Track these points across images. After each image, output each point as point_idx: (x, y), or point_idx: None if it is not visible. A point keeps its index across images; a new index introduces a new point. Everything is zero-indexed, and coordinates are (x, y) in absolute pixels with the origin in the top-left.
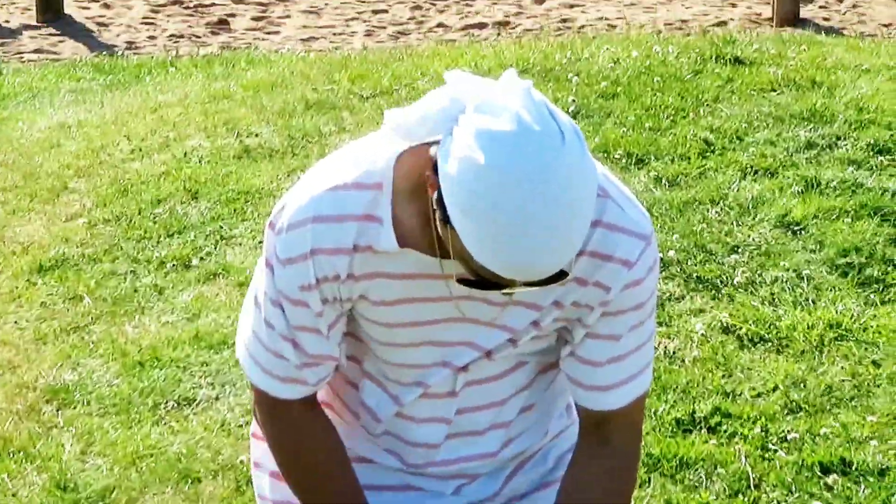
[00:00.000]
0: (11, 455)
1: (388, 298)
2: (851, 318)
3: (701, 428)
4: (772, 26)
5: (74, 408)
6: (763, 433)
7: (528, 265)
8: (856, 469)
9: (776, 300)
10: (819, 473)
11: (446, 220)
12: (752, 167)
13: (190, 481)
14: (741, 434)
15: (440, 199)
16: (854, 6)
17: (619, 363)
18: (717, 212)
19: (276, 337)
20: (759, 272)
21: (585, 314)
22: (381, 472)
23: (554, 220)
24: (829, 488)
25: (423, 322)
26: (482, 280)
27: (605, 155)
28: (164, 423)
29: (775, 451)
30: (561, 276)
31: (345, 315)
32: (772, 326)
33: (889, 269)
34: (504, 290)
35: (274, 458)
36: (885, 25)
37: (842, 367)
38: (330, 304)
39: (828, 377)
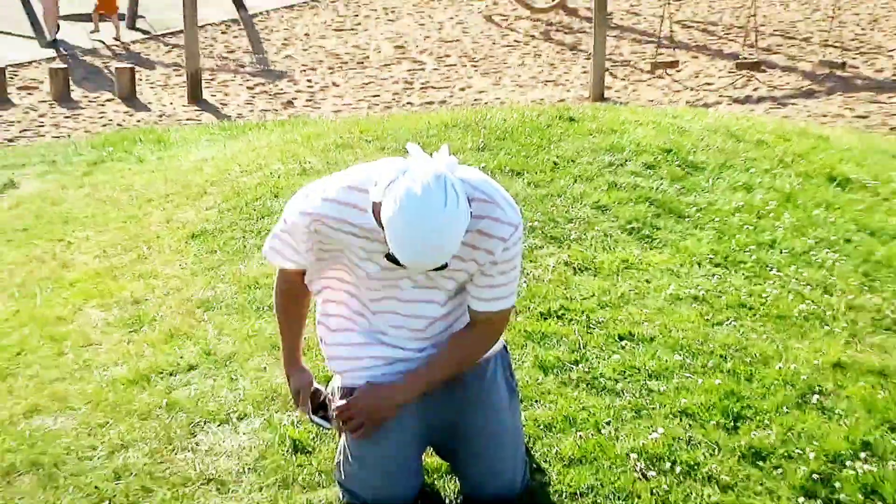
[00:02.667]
0: (177, 338)
1: (363, 255)
2: None
3: None
4: (589, 101)
5: (214, 310)
6: None
7: (412, 265)
8: None
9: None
10: None
11: (382, 225)
12: (580, 176)
13: None
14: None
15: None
16: (633, 90)
17: (492, 289)
18: (560, 201)
19: (279, 229)
20: (586, 231)
21: (475, 263)
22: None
23: (427, 245)
24: None
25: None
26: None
27: (500, 170)
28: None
29: None
30: (442, 268)
31: (315, 248)
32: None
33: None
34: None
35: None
36: (650, 101)
37: None
38: (312, 241)
39: None
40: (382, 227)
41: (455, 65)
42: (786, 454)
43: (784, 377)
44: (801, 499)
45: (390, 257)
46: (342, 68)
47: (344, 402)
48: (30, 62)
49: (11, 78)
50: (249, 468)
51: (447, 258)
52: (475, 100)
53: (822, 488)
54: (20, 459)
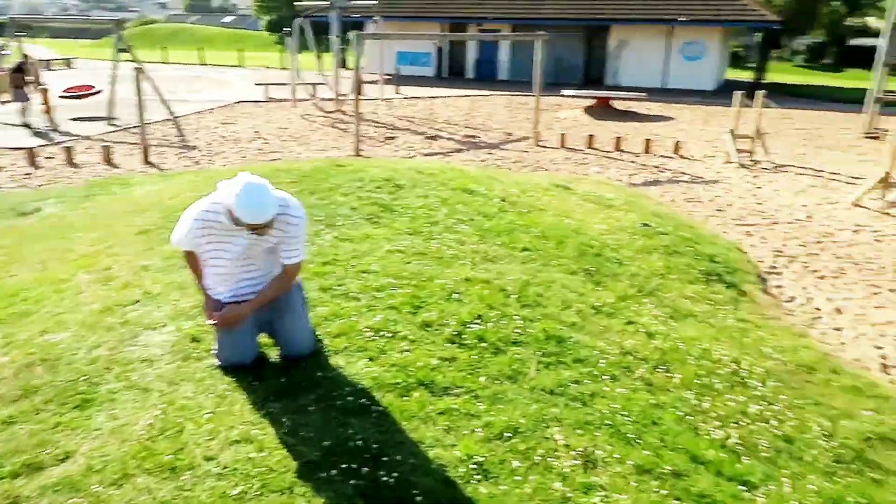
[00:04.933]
0: (129, 286)
1: (225, 236)
2: None
3: None
4: (353, 156)
5: (150, 271)
6: None
7: (252, 220)
8: None
9: None
10: None
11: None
12: (343, 193)
13: None
14: None
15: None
16: (374, 151)
17: (290, 251)
18: (333, 207)
19: (182, 232)
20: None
21: (281, 237)
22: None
23: (257, 209)
24: None
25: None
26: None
27: (304, 191)
28: None
29: None
30: (268, 224)
31: (198, 241)
32: None
33: None
34: (251, 228)
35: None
36: (383, 155)
37: None
38: (196, 238)
39: None
40: (232, 217)
41: (286, 140)
42: (440, 322)
43: (439, 287)
44: (421, 332)
45: (237, 221)
46: (226, 144)
47: (218, 313)
48: (48, 145)
49: (39, 153)
50: (167, 351)
51: (269, 216)
52: (296, 157)
53: (457, 337)
54: (36, 357)
